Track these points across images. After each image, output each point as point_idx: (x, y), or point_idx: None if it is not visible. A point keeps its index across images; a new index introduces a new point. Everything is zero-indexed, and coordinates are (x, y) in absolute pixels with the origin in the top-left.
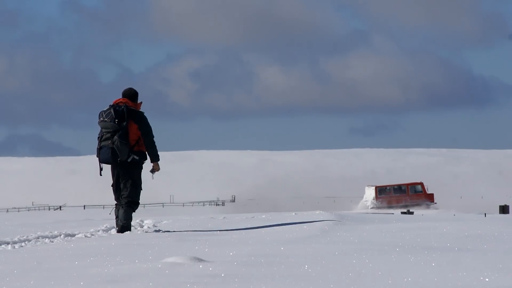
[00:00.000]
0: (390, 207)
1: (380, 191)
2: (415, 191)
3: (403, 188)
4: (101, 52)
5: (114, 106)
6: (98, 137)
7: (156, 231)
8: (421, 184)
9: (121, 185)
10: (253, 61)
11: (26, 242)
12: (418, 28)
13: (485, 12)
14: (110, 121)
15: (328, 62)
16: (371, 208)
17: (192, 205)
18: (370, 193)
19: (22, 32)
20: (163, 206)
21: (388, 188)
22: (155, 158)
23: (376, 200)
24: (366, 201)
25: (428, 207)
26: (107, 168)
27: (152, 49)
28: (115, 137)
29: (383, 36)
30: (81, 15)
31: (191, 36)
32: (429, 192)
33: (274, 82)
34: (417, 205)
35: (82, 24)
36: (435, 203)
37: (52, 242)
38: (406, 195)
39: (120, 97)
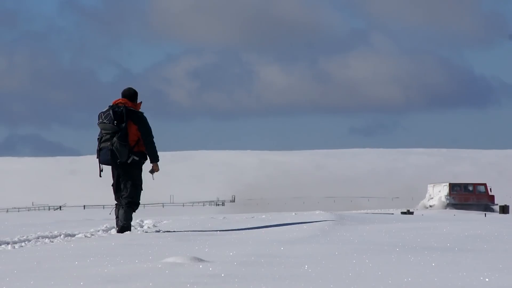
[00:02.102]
0: (460, 204)
1: (453, 188)
2: (479, 191)
3: (469, 187)
4: (100, 52)
5: (113, 107)
6: (98, 138)
7: (156, 231)
8: (485, 185)
9: (121, 186)
10: (252, 61)
11: (26, 242)
12: (418, 27)
13: (485, 12)
14: (109, 123)
15: (328, 62)
16: (447, 204)
17: (192, 205)
18: (439, 189)
19: (21, 32)
20: (163, 206)
21: (458, 186)
22: (154, 159)
23: (450, 196)
24: (432, 198)
25: (489, 208)
26: (107, 169)
27: (151, 49)
28: (115, 138)
29: (383, 35)
30: (80, 15)
31: (191, 36)
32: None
33: (274, 82)
34: (482, 205)
35: (81, 24)
36: (496, 204)
37: (52, 242)
38: (473, 194)
39: (120, 97)
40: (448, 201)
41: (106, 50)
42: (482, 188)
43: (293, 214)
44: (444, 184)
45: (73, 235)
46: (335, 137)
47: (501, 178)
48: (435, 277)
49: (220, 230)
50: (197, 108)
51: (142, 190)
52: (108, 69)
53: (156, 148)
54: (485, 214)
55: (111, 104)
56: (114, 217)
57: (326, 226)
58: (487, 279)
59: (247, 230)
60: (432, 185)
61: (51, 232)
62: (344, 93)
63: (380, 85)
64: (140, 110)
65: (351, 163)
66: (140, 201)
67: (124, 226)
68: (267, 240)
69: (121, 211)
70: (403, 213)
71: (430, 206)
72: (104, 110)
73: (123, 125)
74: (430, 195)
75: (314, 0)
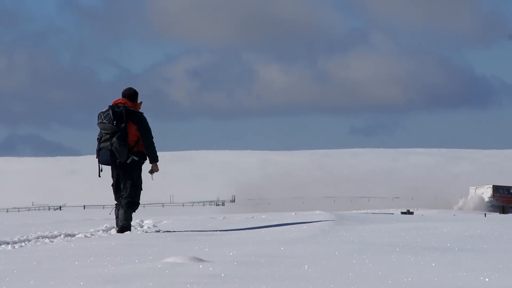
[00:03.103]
0: (503, 206)
1: (496, 190)
2: None
3: (511, 190)
4: (99, 51)
5: (113, 107)
6: (98, 138)
7: (156, 231)
8: None
9: (121, 186)
10: (252, 61)
11: (26, 242)
12: (418, 27)
13: (485, 12)
14: (109, 123)
15: (328, 62)
16: (491, 205)
17: (192, 205)
18: (482, 192)
19: (21, 32)
20: (163, 206)
21: (501, 188)
22: (154, 159)
23: (493, 198)
24: (472, 199)
25: None
26: (106, 169)
27: (151, 49)
28: (114, 138)
29: (383, 35)
30: (80, 15)
31: (190, 36)
32: None
33: (274, 82)
34: None
35: (80, 24)
36: None
37: (52, 242)
38: None
39: (120, 96)
40: (491, 203)
41: (106, 50)
42: None
43: (293, 214)
44: (488, 186)
45: (73, 235)
46: (335, 137)
47: (501, 178)
48: (435, 277)
49: (220, 230)
50: (197, 108)
51: (142, 190)
52: (108, 69)
53: (156, 148)
54: (485, 214)
55: (111, 104)
56: (114, 217)
57: (326, 226)
58: (487, 279)
59: (247, 230)
60: (474, 187)
61: (51, 232)
62: (344, 93)
63: (380, 85)
64: (140, 110)
65: (351, 163)
66: (140, 201)
67: (124, 226)
68: (267, 240)
69: (121, 211)
70: (403, 213)
71: (472, 207)
72: (103, 110)
73: (123, 125)
74: (472, 197)
75: (314, 0)
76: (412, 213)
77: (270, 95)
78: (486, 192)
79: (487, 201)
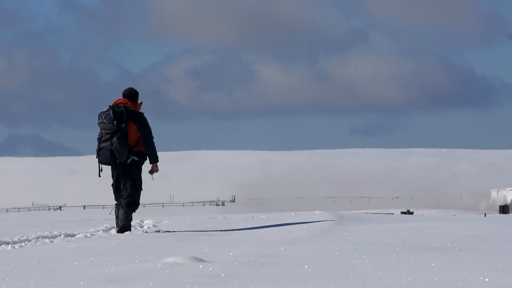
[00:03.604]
0: (503, 206)
1: None
2: None
3: None
4: (99, 51)
5: (113, 107)
6: (98, 138)
7: (156, 231)
8: None
9: (121, 186)
10: (252, 61)
11: (26, 242)
12: (418, 27)
13: (485, 12)
14: (109, 123)
15: (328, 62)
16: None
17: (192, 205)
18: (504, 194)
19: (20, 32)
20: (163, 206)
21: None
22: (154, 159)
23: None
24: (495, 202)
25: None
26: (106, 169)
27: (150, 49)
28: (114, 138)
29: (383, 35)
30: (80, 15)
31: (190, 36)
32: None
33: (273, 82)
34: None
35: (80, 24)
36: None
37: (52, 242)
38: None
39: (120, 96)
40: None
41: (105, 50)
42: None
43: (293, 214)
44: (509, 188)
45: (73, 235)
46: (335, 137)
47: (501, 178)
48: (435, 277)
49: (220, 230)
50: (197, 108)
51: (142, 190)
52: (108, 69)
53: (156, 149)
54: (485, 214)
55: (111, 104)
56: (114, 217)
57: (326, 226)
58: (487, 279)
59: (247, 230)
60: (496, 190)
61: (51, 232)
62: (344, 93)
63: (380, 85)
64: (140, 110)
65: (351, 163)
66: (140, 201)
67: (124, 226)
68: (267, 240)
69: (121, 211)
70: (403, 213)
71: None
72: (104, 110)
73: (123, 125)
74: (494, 200)
75: (314, 0)
76: (412, 213)
77: (270, 95)
78: (509, 195)
79: (510, 203)
